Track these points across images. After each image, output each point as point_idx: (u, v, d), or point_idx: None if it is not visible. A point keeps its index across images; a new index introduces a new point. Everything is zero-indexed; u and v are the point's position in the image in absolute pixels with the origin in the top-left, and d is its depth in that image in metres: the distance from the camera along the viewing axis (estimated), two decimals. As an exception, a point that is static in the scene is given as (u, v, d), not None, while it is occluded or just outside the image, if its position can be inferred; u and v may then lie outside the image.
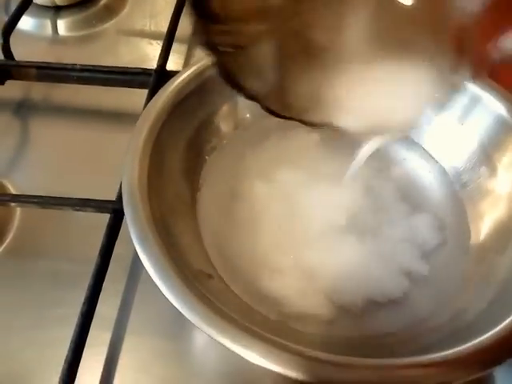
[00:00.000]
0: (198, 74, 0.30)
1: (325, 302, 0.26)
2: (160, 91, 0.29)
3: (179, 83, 0.30)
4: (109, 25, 0.51)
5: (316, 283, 0.27)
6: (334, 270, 0.27)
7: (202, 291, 0.22)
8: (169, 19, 0.46)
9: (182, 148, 0.29)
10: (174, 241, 0.24)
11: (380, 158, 0.31)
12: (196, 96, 0.30)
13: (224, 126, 0.32)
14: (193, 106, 0.30)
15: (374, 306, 0.27)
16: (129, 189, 0.24)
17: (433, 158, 0.32)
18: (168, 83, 0.29)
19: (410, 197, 0.31)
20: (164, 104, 0.28)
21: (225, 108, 0.32)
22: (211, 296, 0.23)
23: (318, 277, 0.27)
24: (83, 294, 0.30)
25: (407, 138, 0.32)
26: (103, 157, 0.40)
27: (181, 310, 0.21)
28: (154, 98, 0.29)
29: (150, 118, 0.27)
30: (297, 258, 0.28)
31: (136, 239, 0.23)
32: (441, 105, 0.31)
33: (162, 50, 0.43)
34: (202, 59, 0.31)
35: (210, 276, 0.25)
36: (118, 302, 0.33)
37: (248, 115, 0.33)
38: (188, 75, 0.30)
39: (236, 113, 0.32)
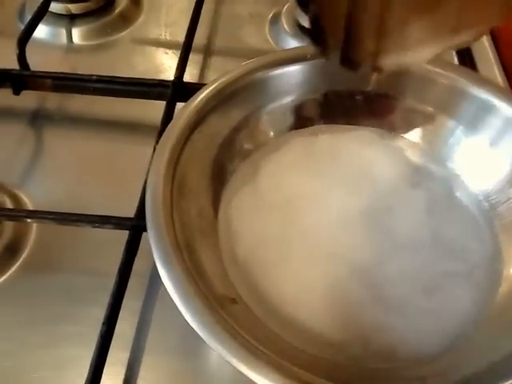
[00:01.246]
0: (220, 91, 0.30)
1: (356, 331, 0.26)
2: (182, 108, 0.28)
3: (201, 100, 0.29)
4: (124, 33, 0.51)
5: (349, 313, 0.26)
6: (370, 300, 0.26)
7: (225, 318, 0.21)
8: (184, 28, 0.46)
9: (205, 167, 0.29)
10: (198, 264, 0.24)
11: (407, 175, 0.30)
12: (218, 113, 0.30)
13: (246, 143, 0.31)
14: (215, 123, 0.29)
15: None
16: (153, 211, 0.24)
17: (461, 179, 0.31)
18: (190, 100, 0.29)
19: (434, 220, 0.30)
20: (186, 122, 0.28)
21: (247, 125, 0.31)
22: (235, 322, 0.22)
23: (352, 305, 0.26)
24: (99, 311, 0.30)
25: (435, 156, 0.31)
26: (119, 169, 0.40)
27: (206, 340, 0.20)
28: (175, 116, 0.28)
29: (172, 137, 0.27)
30: (328, 283, 0.27)
31: (161, 265, 0.22)
32: (472, 126, 0.31)
33: (179, 62, 0.43)
34: (224, 74, 0.31)
35: (233, 301, 0.24)
36: (135, 320, 0.32)
37: (271, 132, 0.32)
38: (210, 91, 0.30)
39: (258, 130, 0.32)
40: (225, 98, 0.30)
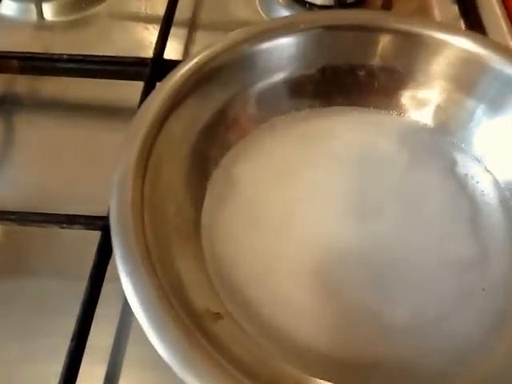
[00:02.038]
0: (200, 68, 0.26)
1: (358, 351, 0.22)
2: (155, 90, 0.24)
3: (178, 79, 0.25)
4: (100, 8, 0.47)
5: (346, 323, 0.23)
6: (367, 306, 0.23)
7: (202, 344, 0.18)
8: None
9: (184, 157, 0.25)
10: (175, 275, 0.20)
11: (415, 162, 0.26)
12: (198, 94, 0.26)
13: (230, 130, 0.27)
14: (195, 106, 0.25)
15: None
16: (118, 215, 0.20)
17: (483, 165, 0.27)
18: (165, 80, 0.25)
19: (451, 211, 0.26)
20: (160, 106, 0.24)
21: (232, 108, 0.27)
22: (216, 343, 0.19)
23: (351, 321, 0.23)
24: (74, 320, 0.26)
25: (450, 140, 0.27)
26: (95, 158, 0.36)
27: (179, 374, 0.17)
28: (147, 99, 0.24)
29: (143, 124, 0.23)
30: (321, 292, 0.23)
31: (127, 282, 0.18)
32: (495, 105, 0.26)
33: (158, 37, 0.38)
34: (205, 49, 0.26)
35: (218, 315, 0.21)
36: (113, 329, 0.29)
37: (260, 116, 0.28)
38: (188, 69, 0.26)
39: (244, 113, 0.28)
40: (206, 76, 0.26)
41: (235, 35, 0.27)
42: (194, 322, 0.19)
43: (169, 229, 0.22)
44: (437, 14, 0.46)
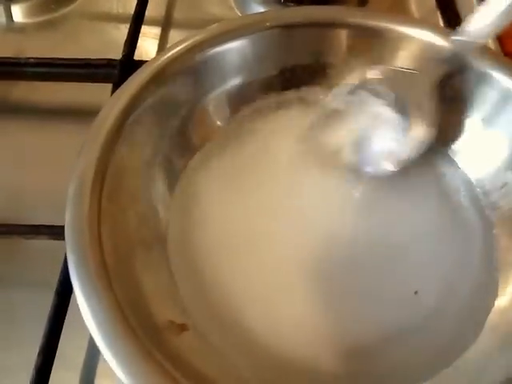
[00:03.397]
0: (162, 70, 0.25)
1: (330, 352, 0.22)
2: (114, 95, 0.24)
3: (138, 83, 0.24)
4: (70, 8, 0.46)
5: (319, 328, 0.22)
6: (338, 307, 0.22)
7: (157, 357, 0.17)
8: (138, -2, 0.41)
9: (146, 164, 0.24)
10: (137, 288, 0.20)
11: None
12: (160, 98, 0.25)
13: (196, 133, 0.26)
14: (156, 111, 0.24)
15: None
16: (72, 231, 0.19)
17: (457, 165, 0.27)
18: (124, 84, 0.24)
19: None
20: (119, 112, 0.23)
21: (195, 111, 0.26)
22: (176, 357, 0.18)
23: (320, 319, 0.22)
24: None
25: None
26: (64, 163, 0.35)
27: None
28: (106, 104, 0.23)
29: (101, 131, 0.22)
30: (292, 295, 0.23)
31: (82, 299, 0.18)
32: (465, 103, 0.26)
33: (127, 37, 0.38)
34: (167, 50, 0.26)
35: (183, 327, 0.20)
36: (85, 339, 0.28)
37: (224, 119, 0.28)
38: (150, 71, 0.25)
39: (209, 116, 0.27)
40: (168, 79, 0.25)
41: (198, 36, 0.26)
42: (152, 336, 0.18)
43: (131, 240, 0.22)
44: (413, 7, 0.45)
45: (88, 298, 0.18)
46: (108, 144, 0.22)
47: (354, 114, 0.26)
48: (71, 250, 0.19)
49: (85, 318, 0.18)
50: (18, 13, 0.45)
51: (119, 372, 0.17)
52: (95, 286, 0.18)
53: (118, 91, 0.24)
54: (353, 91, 0.26)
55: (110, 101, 0.24)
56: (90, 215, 0.20)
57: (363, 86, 0.26)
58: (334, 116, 0.27)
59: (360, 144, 0.26)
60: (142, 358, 0.17)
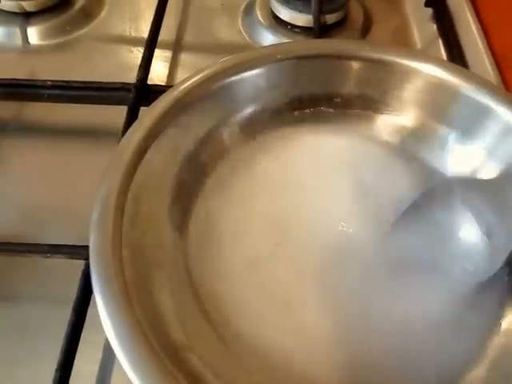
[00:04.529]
0: (181, 99, 0.26)
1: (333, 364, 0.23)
2: (134, 124, 0.25)
3: (158, 111, 0.25)
4: (85, 31, 0.47)
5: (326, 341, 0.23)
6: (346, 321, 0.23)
7: (176, 375, 0.18)
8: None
9: (165, 189, 0.25)
10: (155, 308, 0.21)
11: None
12: (179, 125, 0.26)
13: (213, 158, 0.28)
14: (176, 136, 0.26)
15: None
16: (97, 255, 0.20)
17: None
18: (144, 112, 0.25)
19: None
20: (140, 139, 0.24)
21: (213, 137, 0.28)
22: (192, 375, 0.19)
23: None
24: (59, 346, 0.26)
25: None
26: (80, 183, 0.36)
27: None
28: (127, 133, 0.25)
29: (123, 158, 0.23)
30: (302, 307, 0.24)
31: (105, 319, 0.19)
32: (467, 132, 0.27)
33: (141, 62, 0.39)
34: (185, 80, 0.27)
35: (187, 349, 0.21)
36: (98, 356, 0.29)
37: (240, 144, 0.29)
38: (169, 100, 0.26)
39: (225, 142, 0.28)
40: (187, 107, 0.26)
41: (215, 66, 0.28)
42: (170, 355, 0.19)
43: (149, 261, 0.23)
44: (415, 33, 0.47)
45: (112, 320, 0.19)
46: (129, 170, 0.23)
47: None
48: (96, 273, 0.20)
49: (108, 336, 0.19)
50: (33, 35, 0.46)
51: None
52: (119, 309, 0.19)
53: (138, 119, 0.25)
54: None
55: (131, 128, 0.25)
56: (113, 240, 0.21)
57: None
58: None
59: None
60: (162, 375, 0.18)
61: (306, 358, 0.23)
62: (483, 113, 0.27)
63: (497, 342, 0.23)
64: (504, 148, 0.26)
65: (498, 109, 0.27)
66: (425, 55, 0.29)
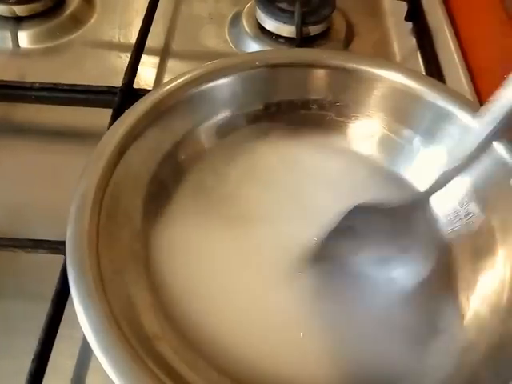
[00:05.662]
0: (160, 102, 0.28)
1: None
2: (115, 124, 0.26)
3: (138, 113, 0.27)
4: (75, 36, 0.48)
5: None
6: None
7: (148, 363, 0.19)
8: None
9: (142, 185, 0.26)
10: (129, 300, 0.22)
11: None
12: (158, 127, 0.27)
13: (189, 159, 0.29)
14: (154, 138, 0.27)
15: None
16: (73, 247, 0.21)
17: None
18: (125, 113, 0.26)
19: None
20: (119, 138, 0.25)
21: (190, 139, 0.29)
22: (162, 363, 0.20)
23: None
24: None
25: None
26: (64, 182, 0.36)
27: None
28: (108, 132, 0.26)
29: (103, 155, 0.24)
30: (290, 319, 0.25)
31: (80, 310, 0.20)
32: (430, 136, 0.28)
33: (128, 66, 0.40)
34: (165, 84, 0.28)
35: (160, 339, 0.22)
36: (76, 350, 0.30)
37: (215, 147, 0.30)
38: (149, 102, 0.27)
39: (201, 144, 0.30)
40: (166, 110, 0.28)
41: (193, 72, 0.29)
42: (142, 345, 0.20)
43: (124, 254, 0.24)
44: (396, 46, 0.48)
45: (86, 308, 0.20)
46: (108, 167, 0.24)
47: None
48: (71, 263, 0.21)
49: (82, 327, 0.20)
50: (24, 38, 0.47)
51: (114, 377, 0.19)
52: (92, 298, 0.20)
53: (119, 119, 0.26)
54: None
55: (112, 128, 0.26)
56: (89, 231, 0.22)
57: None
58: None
59: None
60: (135, 363, 0.19)
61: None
62: (444, 117, 0.29)
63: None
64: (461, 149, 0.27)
65: (458, 113, 0.28)
66: (387, 62, 0.30)
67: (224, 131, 0.30)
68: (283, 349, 0.24)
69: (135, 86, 0.40)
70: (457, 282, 0.26)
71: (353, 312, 0.25)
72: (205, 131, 0.30)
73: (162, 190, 0.28)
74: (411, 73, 0.30)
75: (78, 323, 0.29)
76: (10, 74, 0.42)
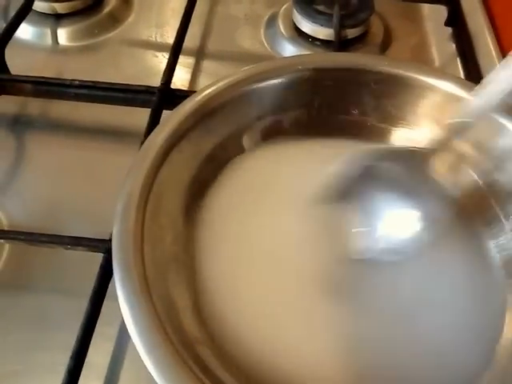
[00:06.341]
0: (204, 104, 0.28)
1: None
2: (159, 126, 0.26)
3: (182, 116, 0.27)
4: (112, 34, 0.48)
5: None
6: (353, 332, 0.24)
7: (192, 366, 0.19)
8: (176, 29, 0.43)
9: (184, 187, 0.26)
10: (171, 301, 0.22)
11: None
12: (200, 129, 0.27)
13: (228, 159, 0.29)
14: (197, 140, 0.27)
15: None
16: (119, 246, 0.21)
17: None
18: (169, 115, 0.26)
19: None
20: (164, 141, 0.25)
21: (233, 141, 0.29)
22: (204, 366, 0.20)
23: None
24: (74, 336, 0.27)
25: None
26: (102, 180, 0.38)
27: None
28: (152, 134, 0.26)
29: (147, 157, 0.24)
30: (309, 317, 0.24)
31: (125, 310, 0.20)
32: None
33: (166, 67, 0.40)
34: (208, 86, 0.28)
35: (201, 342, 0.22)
36: (110, 347, 0.30)
37: (250, 146, 0.30)
38: (192, 105, 0.27)
39: (244, 146, 0.29)
40: (208, 112, 0.28)
41: (236, 74, 0.29)
42: (184, 346, 0.20)
43: (166, 256, 0.24)
44: (434, 51, 0.47)
45: (131, 308, 0.20)
46: (153, 168, 0.24)
47: None
48: (117, 261, 0.21)
49: (127, 326, 0.20)
50: (63, 36, 0.48)
51: (158, 378, 0.19)
52: (138, 297, 0.20)
53: (163, 121, 0.26)
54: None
55: (156, 130, 0.26)
56: (135, 231, 0.22)
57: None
58: None
59: None
60: (179, 366, 0.19)
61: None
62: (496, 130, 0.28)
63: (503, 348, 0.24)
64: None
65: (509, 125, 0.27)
66: (439, 71, 0.30)
67: (266, 134, 0.30)
68: (324, 363, 0.23)
69: (172, 86, 0.40)
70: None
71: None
72: (247, 134, 0.29)
73: (202, 191, 0.28)
74: (460, 81, 0.29)
75: (112, 320, 0.30)
76: (48, 71, 0.42)
